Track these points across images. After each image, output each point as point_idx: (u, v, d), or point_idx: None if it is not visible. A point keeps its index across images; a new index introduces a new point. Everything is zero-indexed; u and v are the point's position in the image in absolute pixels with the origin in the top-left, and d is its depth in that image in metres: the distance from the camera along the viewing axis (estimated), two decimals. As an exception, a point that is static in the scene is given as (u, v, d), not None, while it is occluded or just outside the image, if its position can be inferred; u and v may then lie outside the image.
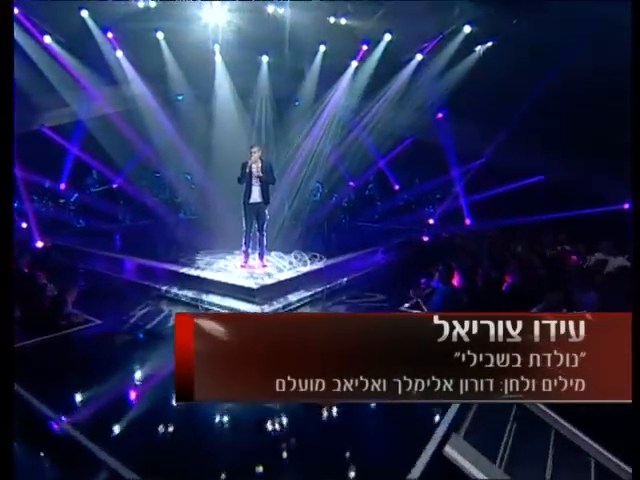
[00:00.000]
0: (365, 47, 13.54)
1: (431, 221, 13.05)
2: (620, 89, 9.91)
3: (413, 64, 13.56)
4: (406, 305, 7.49)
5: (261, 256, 8.73)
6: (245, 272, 8.35)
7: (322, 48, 13.62)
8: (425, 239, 10.95)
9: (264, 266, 8.66)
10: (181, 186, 13.87)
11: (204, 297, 7.58)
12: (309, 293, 7.79)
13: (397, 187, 14.87)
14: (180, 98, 13.43)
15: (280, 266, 8.75)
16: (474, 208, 12.51)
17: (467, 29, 12.41)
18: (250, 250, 8.67)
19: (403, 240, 11.07)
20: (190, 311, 7.22)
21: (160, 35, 12.22)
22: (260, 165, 8.36)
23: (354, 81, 14.05)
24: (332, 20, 12.69)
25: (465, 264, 8.01)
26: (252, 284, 7.59)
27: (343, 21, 12.76)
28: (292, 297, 7.57)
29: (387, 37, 13.09)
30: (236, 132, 12.66)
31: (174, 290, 7.92)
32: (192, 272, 8.32)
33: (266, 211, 8.56)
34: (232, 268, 8.57)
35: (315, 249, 9.58)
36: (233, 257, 9.12)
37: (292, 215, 12.10)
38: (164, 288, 8.03)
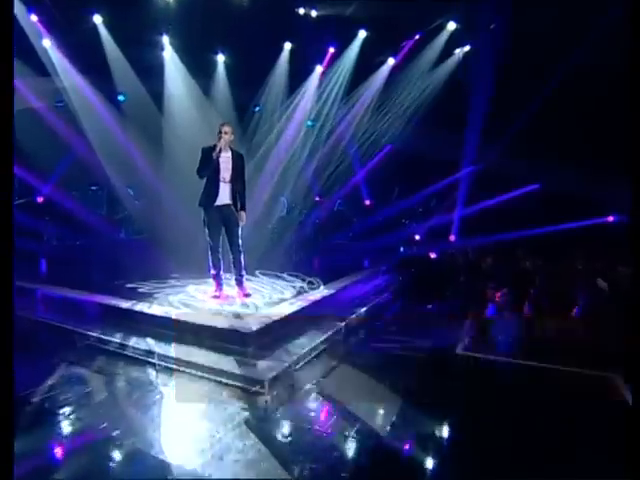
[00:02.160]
0: (332, 49, 11.31)
1: (417, 237, 10.72)
2: (608, 95, 8.53)
3: (389, 66, 11.45)
4: (461, 348, 4.86)
5: (240, 282, 5.81)
6: (222, 305, 5.40)
7: (288, 46, 11.30)
8: (433, 256, 8.45)
9: (246, 295, 5.77)
10: (122, 201, 10.69)
11: (163, 350, 4.43)
12: (324, 335, 4.86)
13: (369, 202, 12.53)
14: (122, 98, 10.44)
15: (266, 294, 5.93)
16: (469, 221, 10.28)
17: (451, 26, 10.45)
18: (223, 273, 5.81)
19: (402, 258, 8.55)
20: (140, 374, 4.25)
21: (98, 19, 9.32)
22: (231, 155, 5.59)
23: (325, 85, 11.79)
24: (301, 11, 10.36)
25: (522, 286, 5.60)
26: (244, 326, 4.56)
27: (314, 13, 10.38)
28: (303, 343, 4.62)
29: (362, 34, 10.95)
30: (192, 136, 9.79)
31: (113, 338, 4.71)
32: (143, 309, 5.17)
33: (238, 217, 5.67)
34: (202, 300, 5.59)
35: (299, 271, 6.94)
36: (200, 285, 6.20)
37: (260, 232, 9.31)
38: (96, 334, 4.81)
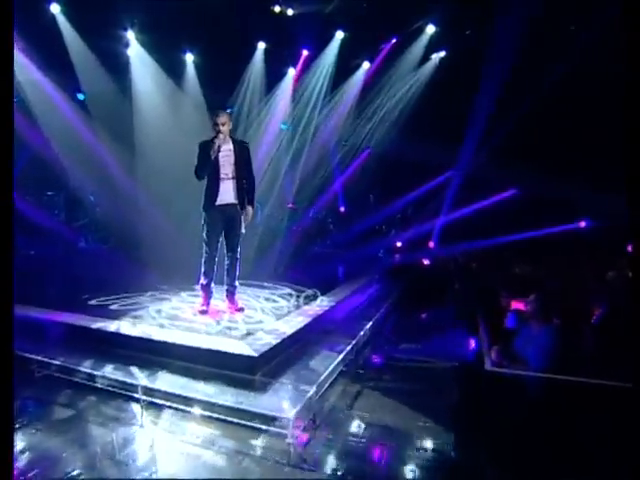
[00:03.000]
0: (306, 52, 10.64)
1: (399, 244, 10.11)
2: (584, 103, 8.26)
3: (366, 69, 10.87)
4: (490, 363, 4.18)
5: (232, 293, 4.92)
6: (217, 322, 4.47)
7: (262, 45, 10.51)
8: (426, 262, 7.79)
9: (239, 309, 4.88)
10: (83, 206, 9.49)
11: (147, 380, 3.46)
12: (338, 355, 3.92)
13: (343, 209, 11.87)
14: (82, 97, 9.37)
15: (258, 307, 5.05)
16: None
17: (430, 29, 9.97)
18: (213, 284, 4.87)
19: (394, 266, 7.86)
20: (118, 412, 3.29)
21: (55, 8, 8.21)
22: (232, 147, 4.75)
23: (301, 87, 11.06)
24: (277, 9, 9.61)
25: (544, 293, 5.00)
26: (246, 348, 3.62)
27: (290, 11, 9.65)
28: (317, 366, 3.69)
29: (339, 35, 10.32)
30: (165, 137, 8.82)
31: (81, 366, 3.67)
32: (118, 329, 4.16)
33: (242, 219, 4.85)
34: (187, 318, 4.62)
35: (286, 281, 6.15)
36: (183, 298, 5.27)
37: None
38: (59, 362, 3.76)
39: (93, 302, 5.13)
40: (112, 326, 4.22)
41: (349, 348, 4.13)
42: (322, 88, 10.84)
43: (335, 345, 4.18)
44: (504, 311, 5.19)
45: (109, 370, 3.60)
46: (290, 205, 11.80)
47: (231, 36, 9.60)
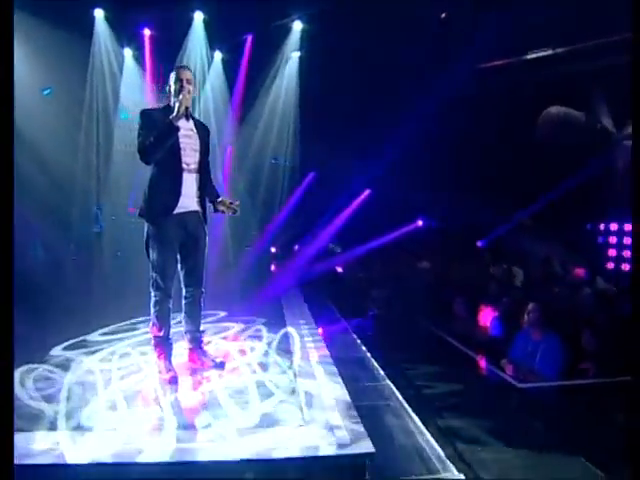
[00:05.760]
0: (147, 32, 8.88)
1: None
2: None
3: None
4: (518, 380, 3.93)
5: (199, 342, 3.59)
6: (201, 394, 3.12)
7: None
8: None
9: (219, 365, 3.52)
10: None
11: None
12: None
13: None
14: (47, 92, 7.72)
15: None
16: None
17: (297, 26, 9.38)
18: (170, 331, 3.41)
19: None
20: None
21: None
22: (194, 126, 3.39)
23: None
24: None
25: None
26: (271, 451, 2.39)
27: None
28: None
29: (198, 16, 8.88)
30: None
31: None
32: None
33: (205, 233, 3.53)
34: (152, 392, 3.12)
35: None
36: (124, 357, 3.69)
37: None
38: None
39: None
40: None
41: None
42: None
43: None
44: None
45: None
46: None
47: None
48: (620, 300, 5.56)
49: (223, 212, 3.47)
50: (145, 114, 3.26)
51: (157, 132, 3.09)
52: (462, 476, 2.46)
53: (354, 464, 2.42)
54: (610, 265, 8.19)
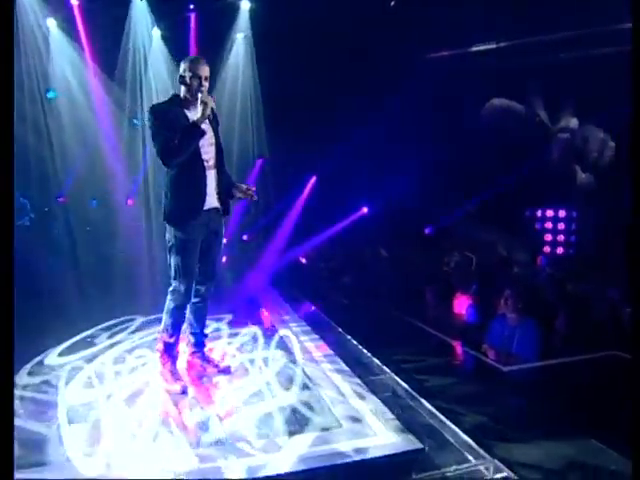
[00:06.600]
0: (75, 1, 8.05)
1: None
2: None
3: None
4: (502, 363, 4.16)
5: (202, 345, 3.37)
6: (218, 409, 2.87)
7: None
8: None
9: (224, 370, 3.34)
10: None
11: None
12: None
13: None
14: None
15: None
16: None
17: (245, 5, 8.97)
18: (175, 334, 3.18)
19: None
20: None
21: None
22: (209, 121, 3.13)
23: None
24: None
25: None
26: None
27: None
28: None
29: None
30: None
31: None
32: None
33: (223, 228, 3.37)
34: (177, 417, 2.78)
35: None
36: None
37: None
38: None
39: None
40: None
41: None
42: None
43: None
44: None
45: None
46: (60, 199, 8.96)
47: None
48: (568, 281, 6.10)
49: (240, 199, 3.30)
50: (158, 111, 3.05)
51: (181, 134, 2.90)
52: (497, 462, 2.56)
53: (402, 461, 2.44)
54: (547, 249, 8.89)
